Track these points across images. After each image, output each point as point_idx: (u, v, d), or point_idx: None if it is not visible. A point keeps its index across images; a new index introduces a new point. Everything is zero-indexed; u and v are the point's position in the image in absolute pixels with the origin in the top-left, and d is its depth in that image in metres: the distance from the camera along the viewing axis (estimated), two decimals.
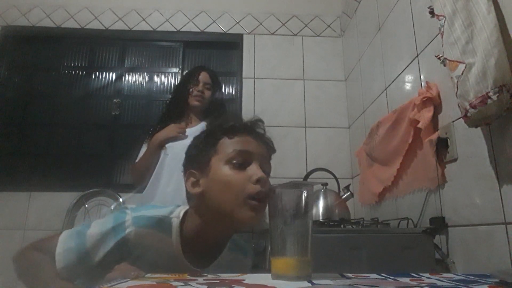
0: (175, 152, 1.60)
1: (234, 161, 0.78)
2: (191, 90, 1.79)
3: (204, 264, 0.83)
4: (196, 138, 0.88)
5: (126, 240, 0.78)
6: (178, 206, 0.86)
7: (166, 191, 1.59)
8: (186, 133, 1.68)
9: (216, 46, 2.57)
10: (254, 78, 2.45)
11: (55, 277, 0.76)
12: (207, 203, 0.79)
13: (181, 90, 1.84)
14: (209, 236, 0.82)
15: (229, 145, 0.80)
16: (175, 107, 1.82)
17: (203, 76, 1.84)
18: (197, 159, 0.83)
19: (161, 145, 1.68)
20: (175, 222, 0.81)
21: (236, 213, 0.76)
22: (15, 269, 0.80)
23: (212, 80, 1.86)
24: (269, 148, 0.86)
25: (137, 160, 1.73)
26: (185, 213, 0.84)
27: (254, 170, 0.78)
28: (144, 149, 1.74)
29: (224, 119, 0.86)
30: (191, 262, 0.81)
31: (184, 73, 2.18)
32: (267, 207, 0.71)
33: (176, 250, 0.80)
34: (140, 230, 0.79)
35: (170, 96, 2.04)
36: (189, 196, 0.84)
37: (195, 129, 1.66)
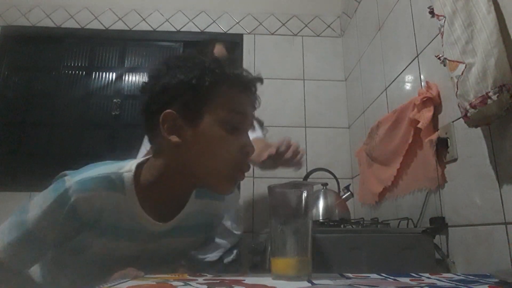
0: None
1: (230, 125, 0.70)
2: None
3: (170, 215, 0.76)
4: (181, 70, 0.71)
5: (74, 210, 0.68)
6: (129, 161, 0.77)
7: None
8: None
9: None
10: None
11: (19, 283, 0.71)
12: (184, 159, 0.71)
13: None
14: (173, 187, 0.74)
15: (229, 102, 0.71)
16: None
17: (219, 50, 1.51)
18: (184, 100, 0.70)
19: None
20: (128, 176, 0.72)
21: (215, 180, 0.71)
22: None
23: (229, 53, 1.56)
24: (255, 107, 0.78)
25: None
26: (139, 165, 0.75)
27: (247, 140, 0.72)
28: (147, 143, 1.57)
29: (219, 58, 0.74)
30: (153, 217, 0.74)
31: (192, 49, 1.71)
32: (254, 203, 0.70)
33: (134, 206, 0.72)
34: (86, 194, 0.68)
35: None
36: (158, 141, 0.73)
37: None
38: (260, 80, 0.77)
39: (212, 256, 1.41)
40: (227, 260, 1.38)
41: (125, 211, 0.72)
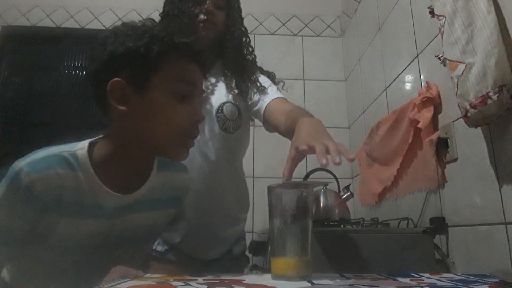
0: None
1: (178, 93, 0.70)
2: (193, 13, 1.09)
3: (133, 188, 0.75)
4: (126, 33, 0.70)
5: (29, 192, 0.65)
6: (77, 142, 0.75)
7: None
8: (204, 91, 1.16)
9: None
10: None
11: None
12: (135, 128, 0.71)
13: (178, 17, 1.12)
14: (132, 158, 0.74)
15: (178, 71, 0.70)
16: None
17: None
18: (130, 68, 0.69)
19: None
20: (81, 153, 0.71)
21: (168, 150, 0.72)
22: None
23: None
24: (204, 75, 0.77)
25: None
26: (92, 142, 0.74)
27: (195, 107, 0.73)
28: None
29: (168, 25, 0.74)
30: (115, 189, 0.72)
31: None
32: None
33: (92, 181, 0.70)
34: (40, 174, 0.66)
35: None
36: (109, 112, 0.72)
37: (219, 83, 1.16)
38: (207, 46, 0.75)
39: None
40: (236, 251, 1.26)
41: (84, 188, 0.70)
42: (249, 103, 1.14)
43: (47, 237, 0.70)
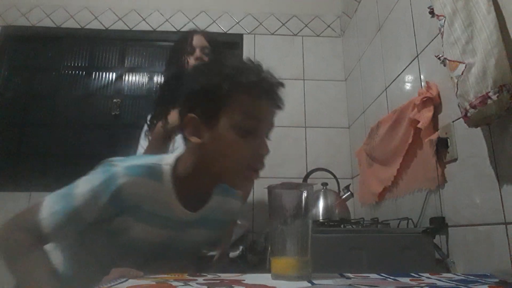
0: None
1: (245, 127, 0.74)
2: (186, 60, 1.45)
3: (196, 207, 0.83)
4: (205, 77, 0.77)
5: (119, 192, 0.74)
6: (168, 154, 0.84)
7: None
8: None
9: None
10: None
11: (37, 262, 0.74)
12: (205, 158, 0.78)
13: (174, 63, 1.48)
14: (201, 182, 0.81)
15: (243, 108, 0.74)
16: (172, 87, 1.48)
17: (198, 40, 1.49)
18: (203, 105, 0.76)
19: (170, 137, 1.42)
20: (166, 168, 0.79)
21: (232, 179, 0.77)
22: None
23: (210, 44, 1.52)
24: (279, 109, 0.81)
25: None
26: (178, 159, 0.82)
27: (260, 143, 0.76)
28: (143, 142, 1.53)
29: (241, 66, 0.78)
30: (185, 207, 0.81)
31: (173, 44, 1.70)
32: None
33: (171, 196, 0.79)
34: (132, 179, 0.75)
35: (162, 76, 1.70)
36: (186, 142, 0.82)
37: None
38: (280, 84, 0.80)
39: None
40: (233, 254, 1.32)
41: (162, 200, 0.79)
42: None
43: (116, 235, 0.79)
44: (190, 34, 1.52)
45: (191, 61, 1.45)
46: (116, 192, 0.74)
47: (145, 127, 1.54)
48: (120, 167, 0.76)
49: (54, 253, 0.88)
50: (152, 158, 0.81)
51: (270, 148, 0.78)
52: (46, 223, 0.74)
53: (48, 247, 0.80)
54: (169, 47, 1.69)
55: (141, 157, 0.85)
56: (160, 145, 1.40)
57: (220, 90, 0.74)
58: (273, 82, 0.79)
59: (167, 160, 0.81)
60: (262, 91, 0.76)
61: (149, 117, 1.53)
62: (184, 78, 0.79)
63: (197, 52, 1.47)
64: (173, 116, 1.36)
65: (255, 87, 0.75)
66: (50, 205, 0.77)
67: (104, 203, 0.75)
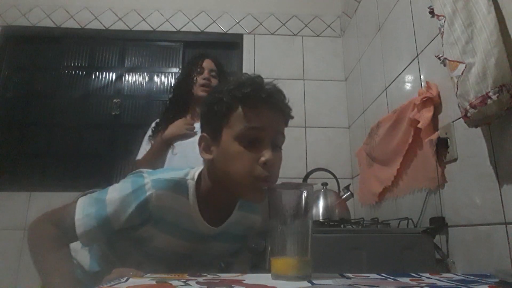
0: (184, 151, 1.52)
1: (246, 139, 0.76)
2: (195, 79, 1.65)
3: (218, 222, 0.87)
4: (211, 97, 0.83)
5: (147, 203, 0.79)
6: (192, 168, 0.87)
7: None
8: (195, 129, 1.55)
9: (216, 46, 2.56)
10: None
11: (64, 258, 0.78)
12: (216, 172, 0.81)
13: (185, 80, 1.69)
14: (221, 197, 0.84)
15: (242, 119, 0.76)
16: (180, 100, 1.67)
17: (208, 63, 1.70)
18: (209, 124, 0.82)
19: (169, 144, 1.57)
20: (191, 184, 0.83)
21: (241, 191, 0.78)
22: (28, 241, 0.80)
23: (218, 67, 1.72)
24: (285, 117, 0.83)
25: (139, 157, 1.65)
26: (199, 174, 0.86)
27: (263, 151, 0.76)
28: (146, 145, 1.66)
29: (239, 81, 0.80)
30: (206, 221, 0.84)
31: (185, 64, 1.95)
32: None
33: (194, 210, 0.83)
34: (160, 192, 0.80)
35: (172, 90, 1.84)
36: (203, 160, 0.86)
37: None
38: (279, 92, 0.82)
39: None
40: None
41: (186, 214, 0.83)
42: None
43: (140, 243, 0.84)
44: (201, 57, 1.72)
45: (200, 80, 1.63)
46: (143, 203, 0.79)
47: (149, 132, 1.68)
48: (148, 179, 0.80)
49: (81, 252, 0.96)
50: (178, 173, 0.85)
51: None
52: (80, 224, 0.78)
53: (75, 245, 0.84)
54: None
55: (168, 170, 0.88)
56: (161, 150, 1.56)
57: (219, 106, 0.78)
58: (271, 90, 0.79)
59: (192, 175, 0.85)
60: (259, 100, 0.77)
61: (153, 124, 1.68)
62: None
63: (205, 73, 1.65)
64: (174, 126, 1.55)
65: (251, 97, 0.77)
66: (84, 206, 0.81)
67: (130, 212, 0.79)
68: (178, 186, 0.82)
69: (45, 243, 0.78)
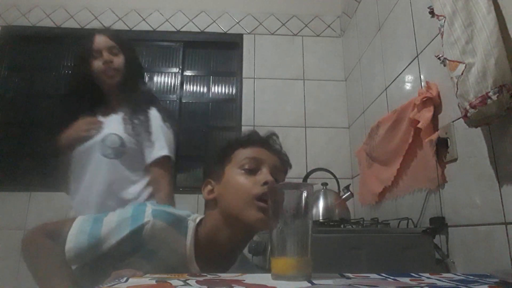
0: (91, 155, 1.31)
1: (246, 167, 0.82)
2: (93, 65, 1.30)
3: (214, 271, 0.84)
4: (215, 151, 0.93)
5: (141, 230, 0.78)
6: (194, 213, 0.89)
7: (92, 196, 1.29)
8: (105, 124, 1.29)
9: (216, 46, 2.57)
10: (254, 78, 2.45)
11: (60, 268, 0.77)
12: (219, 207, 0.83)
13: (80, 70, 1.35)
14: (221, 243, 0.83)
15: (242, 154, 0.85)
16: (79, 95, 1.36)
17: (101, 41, 1.33)
18: (213, 169, 0.88)
19: (70, 149, 1.37)
20: (192, 224, 0.83)
21: (244, 215, 0.79)
22: (22, 253, 0.80)
23: (117, 42, 1.36)
24: (283, 161, 0.90)
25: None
26: (201, 219, 0.86)
27: (263, 174, 0.82)
28: None
29: (241, 134, 0.91)
30: (200, 268, 0.81)
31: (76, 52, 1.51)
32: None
33: (189, 252, 0.81)
34: (158, 223, 0.79)
35: (69, 86, 1.56)
36: (206, 203, 0.89)
37: (117, 117, 1.30)
38: (274, 135, 0.93)
39: None
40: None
41: (181, 253, 0.81)
42: (142, 144, 1.29)
43: (141, 264, 0.80)
44: (91, 36, 1.38)
45: (99, 65, 1.31)
46: (139, 230, 0.78)
47: None
48: (150, 208, 0.81)
49: None
50: (181, 211, 0.86)
51: None
52: (71, 239, 0.78)
53: None
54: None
55: (171, 207, 0.89)
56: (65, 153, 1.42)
57: (222, 153, 0.88)
58: (267, 135, 0.91)
59: (193, 216, 0.86)
60: (257, 140, 0.88)
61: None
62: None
63: (104, 54, 1.32)
64: (78, 125, 1.33)
65: (250, 139, 0.88)
66: (81, 223, 0.81)
67: (124, 235, 0.78)
68: (178, 222, 0.82)
69: (39, 253, 0.78)
